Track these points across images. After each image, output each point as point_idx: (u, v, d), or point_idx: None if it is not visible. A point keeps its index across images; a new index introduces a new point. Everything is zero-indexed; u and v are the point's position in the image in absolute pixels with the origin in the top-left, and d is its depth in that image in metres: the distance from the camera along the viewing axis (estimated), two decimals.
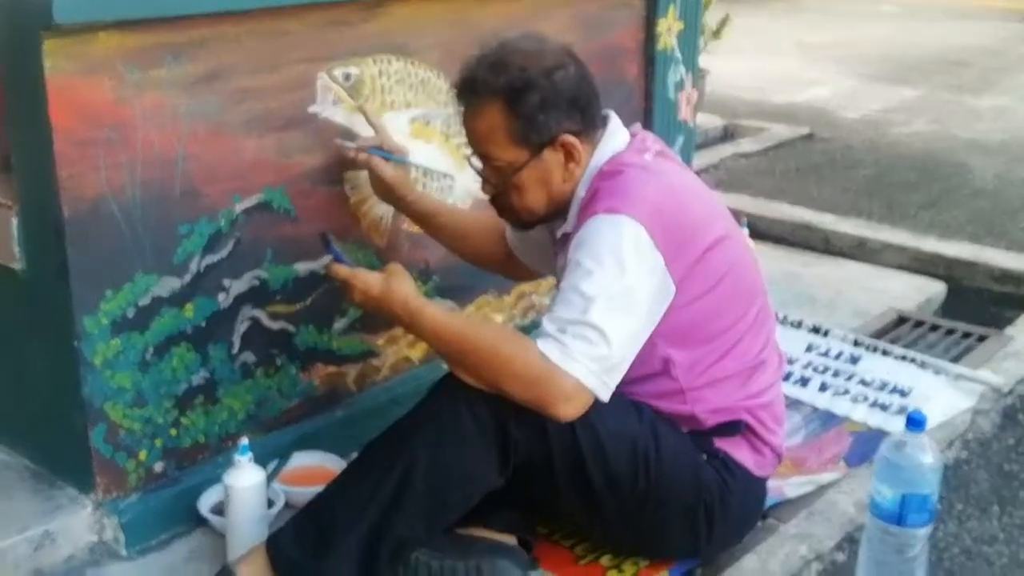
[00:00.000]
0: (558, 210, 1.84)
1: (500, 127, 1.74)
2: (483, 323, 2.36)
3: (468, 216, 2.23)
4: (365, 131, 2.12)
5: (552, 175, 1.78)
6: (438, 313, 1.76)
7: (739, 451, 1.83)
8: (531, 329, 2.59)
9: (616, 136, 1.81)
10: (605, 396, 1.66)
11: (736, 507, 1.85)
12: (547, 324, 1.65)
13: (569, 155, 1.76)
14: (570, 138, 1.75)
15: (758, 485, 1.92)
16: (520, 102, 1.71)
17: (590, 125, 1.79)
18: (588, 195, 1.76)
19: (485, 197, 1.90)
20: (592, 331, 1.61)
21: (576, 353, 1.61)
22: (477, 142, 1.80)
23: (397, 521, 1.69)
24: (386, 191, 2.10)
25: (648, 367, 1.76)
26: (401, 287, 1.77)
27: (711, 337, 1.78)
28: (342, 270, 1.83)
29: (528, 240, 2.07)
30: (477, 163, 1.84)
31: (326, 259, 1.97)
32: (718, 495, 1.81)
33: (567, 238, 1.80)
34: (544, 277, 2.33)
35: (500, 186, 1.81)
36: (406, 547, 1.72)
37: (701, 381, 1.79)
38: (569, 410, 1.64)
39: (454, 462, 1.70)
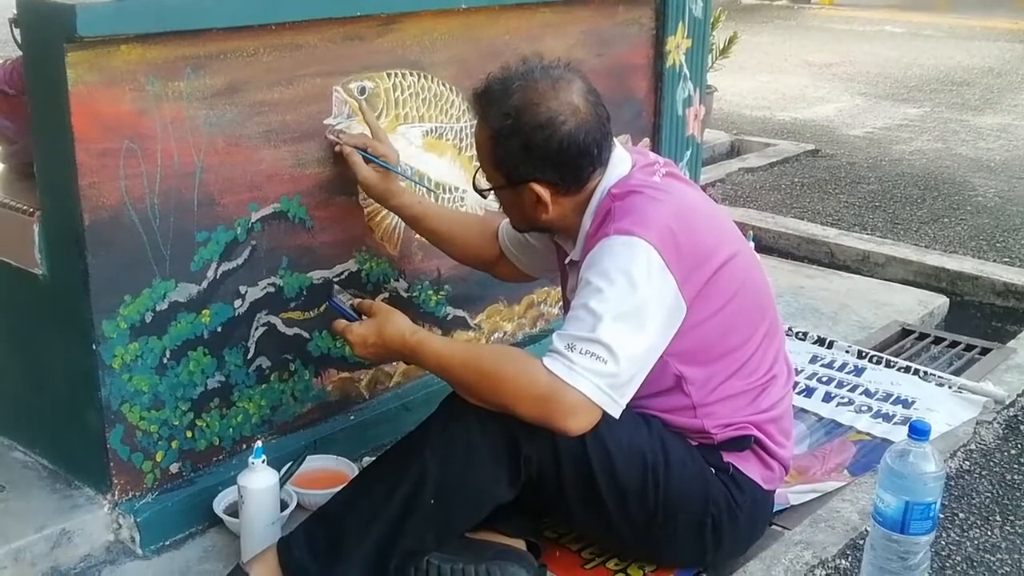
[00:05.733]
0: (545, 230, 1.87)
1: (485, 147, 1.80)
2: (484, 346, 2.39)
3: (457, 220, 2.24)
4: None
5: (523, 207, 1.82)
6: (438, 343, 1.79)
7: (748, 465, 1.85)
8: (540, 338, 2.64)
9: (621, 162, 1.82)
10: (615, 412, 1.66)
11: (743, 521, 1.86)
12: (556, 341, 1.66)
13: (537, 199, 1.79)
14: (539, 188, 1.77)
15: (766, 499, 1.93)
16: (501, 143, 1.75)
17: (571, 181, 1.77)
18: (598, 218, 1.77)
19: (494, 210, 1.94)
20: (600, 348, 1.62)
21: (582, 369, 1.62)
22: (475, 146, 1.86)
23: (406, 533, 1.71)
24: (365, 191, 2.14)
25: (661, 383, 1.77)
26: (394, 328, 1.79)
27: (722, 355, 1.79)
28: (337, 327, 1.86)
29: (525, 244, 2.10)
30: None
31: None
32: (726, 509, 1.82)
33: (575, 265, 1.83)
34: (535, 282, 2.36)
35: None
36: (415, 558, 1.75)
37: (713, 397, 1.80)
38: (576, 424, 1.65)
39: (464, 476, 1.71)
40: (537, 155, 1.73)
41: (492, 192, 1.85)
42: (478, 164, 1.86)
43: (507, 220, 2.00)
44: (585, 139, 1.73)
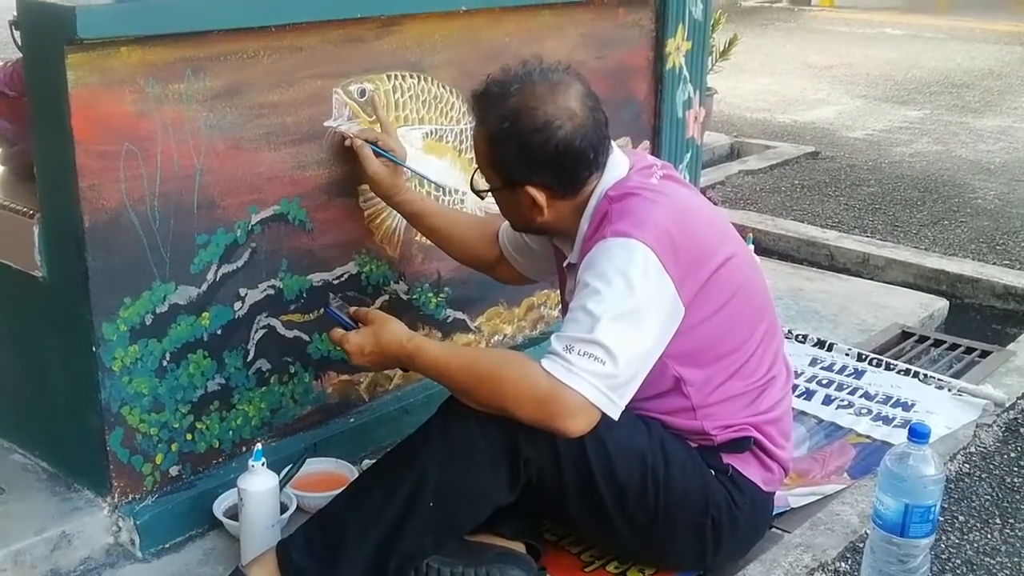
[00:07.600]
0: (543, 232, 1.88)
1: (482, 149, 1.81)
2: (482, 350, 2.39)
3: (458, 220, 2.24)
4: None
5: (519, 209, 1.83)
6: (436, 349, 1.79)
7: (748, 467, 1.85)
8: (540, 341, 2.64)
9: (618, 165, 1.82)
10: (614, 413, 1.66)
11: (744, 523, 1.86)
12: (554, 343, 1.66)
13: (533, 202, 1.79)
14: (534, 191, 1.77)
15: (766, 501, 1.93)
16: (498, 146, 1.76)
17: (567, 186, 1.78)
18: (595, 221, 1.77)
19: (494, 212, 1.94)
20: (598, 349, 1.62)
21: (581, 370, 1.62)
22: (473, 147, 1.87)
23: (406, 535, 1.71)
24: (372, 185, 2.14)
25: (660, 385, 1.77)
26: (391, 335, 1.79)
27: (721, 356, 1.80)
28: (334, 336, 1.87)
29: (525, 246, 2.10)
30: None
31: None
32: (726, 510, 1.82)
33: (573, 268, 1.83)
34: (534, 285, 2.37)
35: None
36: (414, 560, 1.75)
37: (712, 399, 1.80)
38: (575, 426, 1.65)
39: (464, 479, 1.71)
40: (533, 159, 1.74)
41: (489, 193, 1.86)
42: (476, 165, 1.86)
43: (507, 222, 2.00)
44: (581, 144, 1.74)
